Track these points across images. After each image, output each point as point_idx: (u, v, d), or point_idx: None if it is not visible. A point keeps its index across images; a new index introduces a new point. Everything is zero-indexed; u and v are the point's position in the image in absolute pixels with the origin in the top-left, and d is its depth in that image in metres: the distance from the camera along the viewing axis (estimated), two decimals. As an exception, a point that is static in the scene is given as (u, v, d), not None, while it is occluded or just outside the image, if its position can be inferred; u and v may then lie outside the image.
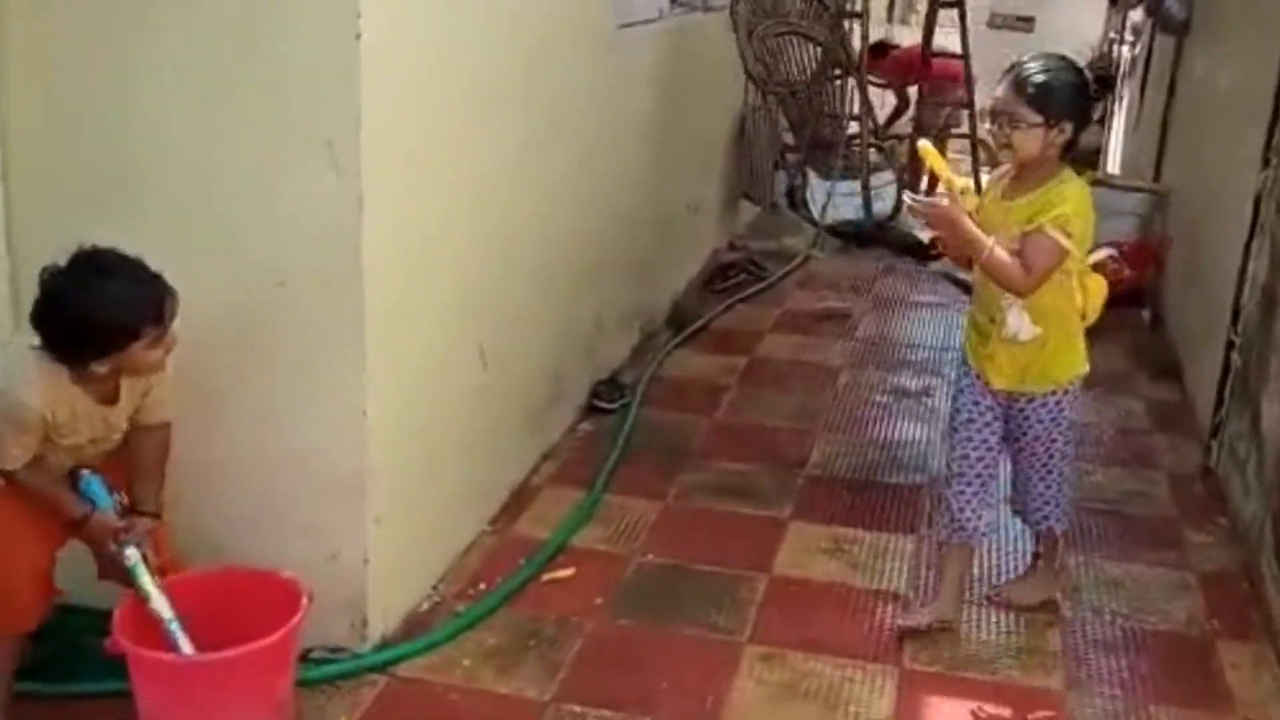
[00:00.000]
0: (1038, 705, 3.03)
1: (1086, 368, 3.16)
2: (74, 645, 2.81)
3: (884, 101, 8.74)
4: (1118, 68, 9.96)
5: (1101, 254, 3.21)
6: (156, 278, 2.49)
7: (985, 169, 5.99)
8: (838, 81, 6.15)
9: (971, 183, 3.20)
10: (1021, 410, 3.16)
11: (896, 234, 5.56)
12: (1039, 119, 2.88)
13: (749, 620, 3.32)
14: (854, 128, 5.78)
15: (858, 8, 5.96)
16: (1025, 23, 10.51)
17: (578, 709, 2.92)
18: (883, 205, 5.60)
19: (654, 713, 2.91)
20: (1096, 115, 10.62)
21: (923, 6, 7.68)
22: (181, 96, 2.75)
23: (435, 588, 3.38)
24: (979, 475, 3.19)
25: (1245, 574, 3.64)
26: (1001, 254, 2.92)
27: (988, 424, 3.17)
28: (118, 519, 2.61)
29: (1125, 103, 9.24)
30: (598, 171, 4.49)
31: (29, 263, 2.63)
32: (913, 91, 7.41)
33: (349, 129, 2.69)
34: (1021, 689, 3.08)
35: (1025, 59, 2.98)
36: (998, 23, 10.60)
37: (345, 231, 2.76)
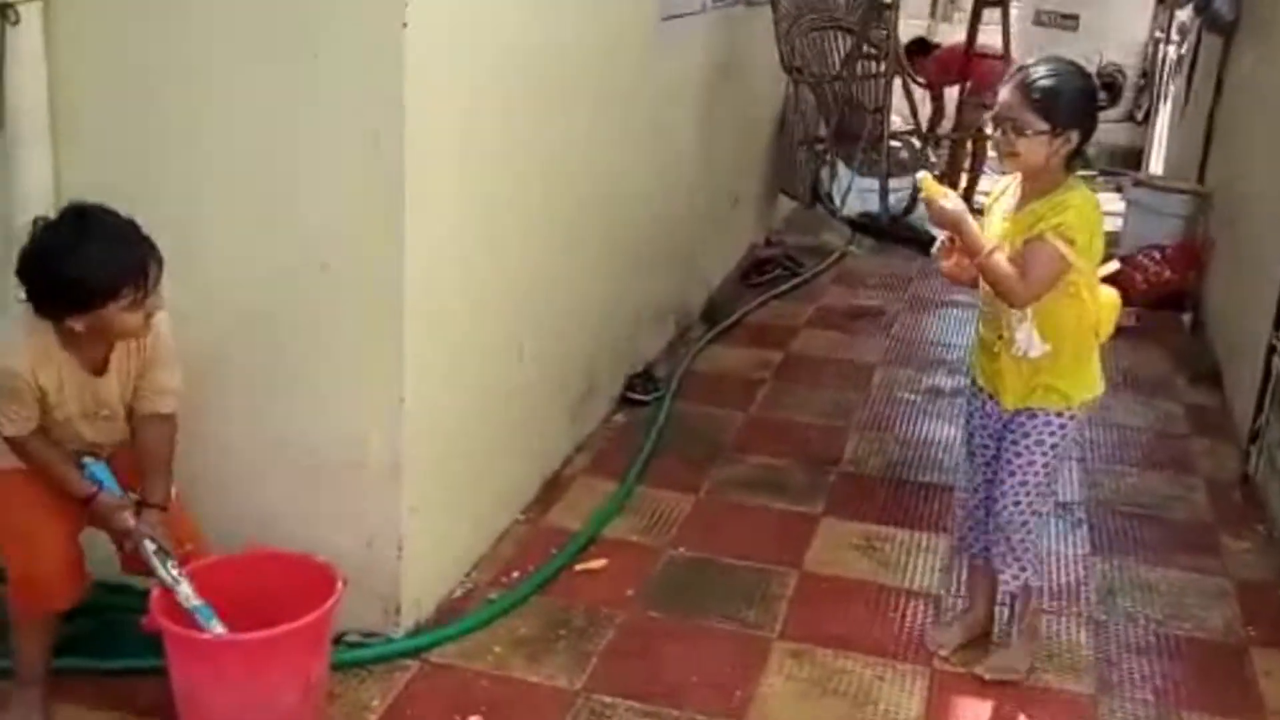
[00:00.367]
0: (1069, 709, 3.01)
1: (1099, 392, 2.99)
2: (114, 622, 2.86)
3: (924, 101, 8.67)
4: (1162, 67, 9.86)
5: (1111, 267, 3.07)
6: (145, 240, 2.45)
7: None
8: (873, 74, 6.15)
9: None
10: (1022, 426, 2.96)
11: (909, 230, 5.55)
12: (1044, 126, 2.75)
13: (779, 616, 3.33)
14: (893, 122, 5.79)
15: (889, -1, 5.96)
16: (1069, 20, 10.39)
17: (607, 699, 2.93)
18: (898, 200, 5.60)
19: (683, 705, 2.92)
20: (1140, 116, 10.54)
21: (967, 3, 7.63)
22: (228, 79, 2.77)
23: (468, 575, 3.41)
24: (988, 499, 3.08)
25: (1282, 582, 3.61)
26: (1000, 259, 2.83)
27: (986, 448, 3.08)
28: (123, 501, 2.60)
29: (1170, 102, 9.14)
30: (639, 164, 4.50)
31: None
32: (952, 93, 7.33)
33: (394, 118, 2.71)
34: (1053, 692, 3.07)
35: (1030, 63, 2.85)
36: (1043, 20, 10.49)
37: (388, 219, 2.78)
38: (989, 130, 2.92)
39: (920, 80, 7.40)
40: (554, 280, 3.77)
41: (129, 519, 2.59)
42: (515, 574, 3.44)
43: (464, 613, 3.22)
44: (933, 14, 11.44)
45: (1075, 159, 2.83)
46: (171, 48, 2.79)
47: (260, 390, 2.95)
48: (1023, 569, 3.04)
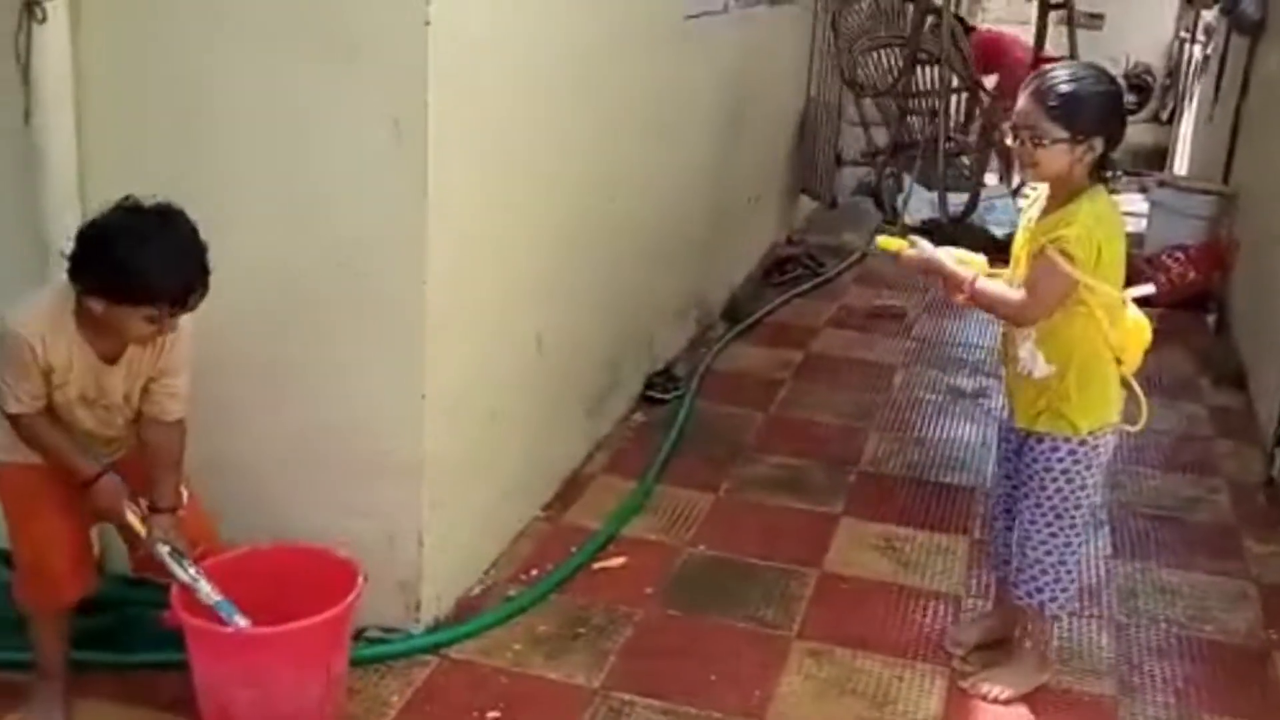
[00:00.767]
0: (1090, 711, 3.00)
1: (1114, 420, 2.83)
2: (135, 617, 2.87)
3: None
4: (1187, 67, 9.79)
5: (1145, 290, 2.92)
6: (205, 269, 2.42)
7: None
8: (926, 91, 6.34)
9: (971, 256, 2.97)
10: (1031, 450, 2.87)
11: (970, 233, 5.58)
12: (1064, 134, 2.63)
13: (798, 615, 3.32)
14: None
15: (936, 2, 6.03)
16: (1095, 19, 10.33)
17: (626, 697, 2.93)
18: (958, 205, 5.64)
19: (702, 704, 2.92)
20: (1165, 116, 10.47)
21: (990, 2, 7.63)
22: (252, 77, 2.78)
23: (487, 572, 3.41)
24: (1005, 512, 3.05)
25: (1306, 586, 3.58)
26: (986, 284, 2.78)
27: (1008, 460, 3.03)
28: (124, 488, 2.58)
29: (1195, 102, 9.08)
30: (662, 162, 4.49)
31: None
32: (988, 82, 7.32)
33: (417, 114, 2.71)
34: (1074, 694, 3.05)
35: (1050, 68, 2.76)
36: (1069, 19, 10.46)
37: (409, 213, 2.78)
38: (1008, 140, 2.80)
39: (992, 92, 7.33)
40: (575, 277, 3.77)
41: (125, 507, 2.56)
42: (534, 571, 3.44)
43: (483, 609, 3.23)
44: (957, 6, 11.39)
45: (1103, 166, 2.72)
46: (197, 45, 2.80)
47: (282, 385, 2.96)
48: (1038, 590, 2.92)
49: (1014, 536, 2.99)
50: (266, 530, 2.84)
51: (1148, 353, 2.87)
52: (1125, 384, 2.85)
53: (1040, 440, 2.85)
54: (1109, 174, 2.76)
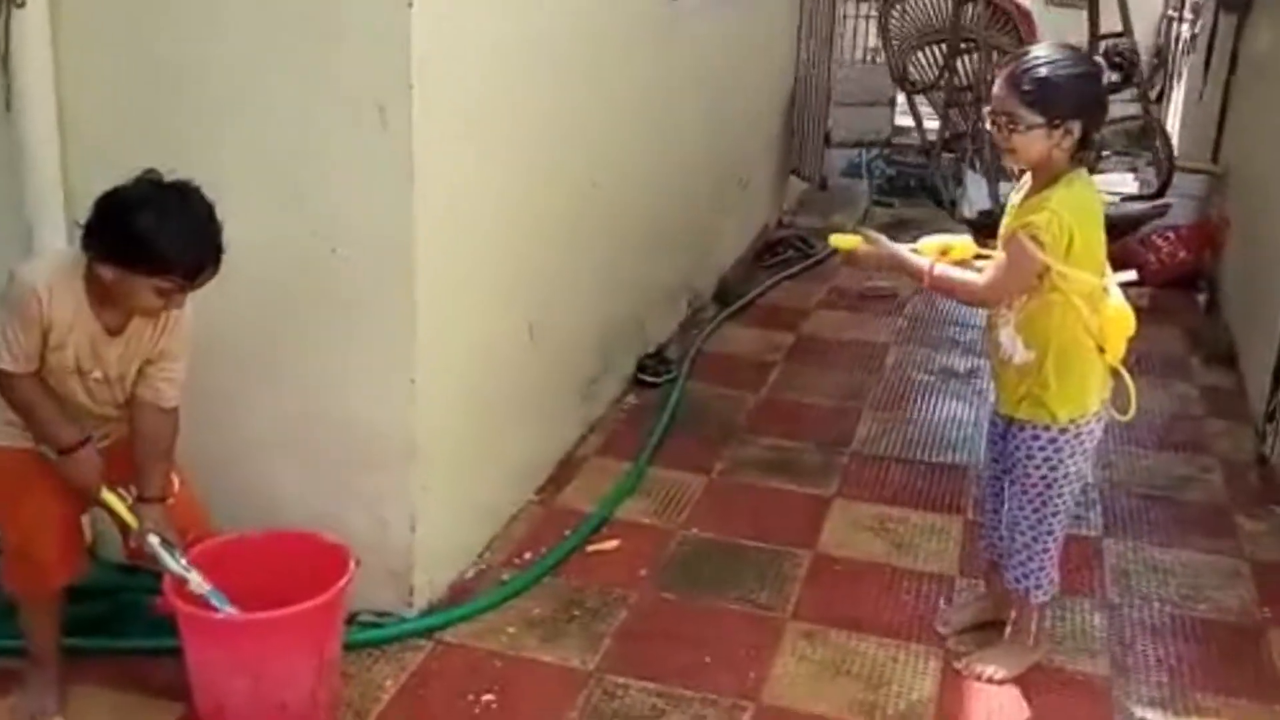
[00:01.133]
0: (1083, 691, 3.00)
1: (1095, 409, 2.82)
2: (128, 604, 2.87)
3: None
4: (1175, 45, 9.78)
5: (1125, 276, 2.87)
6: (219, 249, 2.43)
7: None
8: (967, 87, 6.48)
9: (955, 240, 2.97)
10: (1014, 438, 2.88)
11: None
12: (1039, 119, 2.60)
13: (792, 597, 3.32)
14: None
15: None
16: (1080, -3, 10.33)
17: (620, 680, 2.93)
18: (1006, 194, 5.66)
19: (696, 686, 2.92)
20: (1154, 95, 10.46)
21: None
22: (237, 63, 2.76)
23: (481, 556, 3.41)
24: (994, 495, 3.07)
25: (1298, 563, 3.59)
26: (945, 270, 2.78)
27: (994, 444, 3.04)
28: (98, 461, 2.55)
29: (1184, 82, 9.07)
30: (650, 146, 4.48)
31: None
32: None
33: (401, 99, 2.69)
34: (1067, 674, 3.06)
35: (1025, 51, 2.72)
36: (1055, -2, 10.46)
37: (397, 200, 2.77)
38: (987, 125, 2.78)
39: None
40: (565, 261, 3.76)
41: (102, 486, 2.54)
42: (528, 555, 3.44)
43: (476, 593, 3.23)
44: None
45: (1084, 150, 2.69)
46: (179, 30, 2.78)
47: (273, 371, 2.95)
48: (1025, 575, 2.94)
49: (1003, 520, 2.99)
50: (259, 518, 2.83)
51: (1136, 335, 2.85)
52: (1115, 372, 2.84)
53: (1022, 428, 2.85)
54: (1091, 155, 2.74)
